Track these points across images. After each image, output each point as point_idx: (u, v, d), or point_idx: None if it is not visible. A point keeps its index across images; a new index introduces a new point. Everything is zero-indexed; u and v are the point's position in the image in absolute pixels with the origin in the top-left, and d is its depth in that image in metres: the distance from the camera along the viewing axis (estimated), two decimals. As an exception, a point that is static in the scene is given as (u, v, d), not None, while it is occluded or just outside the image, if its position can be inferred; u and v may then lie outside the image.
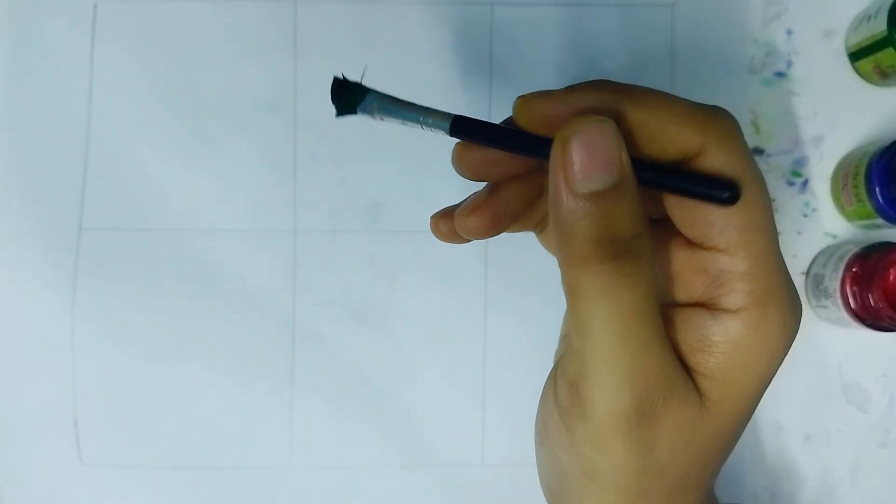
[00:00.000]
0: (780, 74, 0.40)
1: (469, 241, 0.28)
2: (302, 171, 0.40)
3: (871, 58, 0.38)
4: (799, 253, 0.40)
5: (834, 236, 0.40)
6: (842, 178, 0.39)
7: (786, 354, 0.25)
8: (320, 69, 0.40)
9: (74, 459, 0.39)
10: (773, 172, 0.40)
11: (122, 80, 0.40)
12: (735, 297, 0.24)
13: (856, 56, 0.40)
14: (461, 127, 0.25)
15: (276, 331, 0.40)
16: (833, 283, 0.37)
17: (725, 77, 0.40)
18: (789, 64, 0.40)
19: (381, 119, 0.26)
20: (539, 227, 0.30)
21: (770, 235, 0.24)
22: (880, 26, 0.37)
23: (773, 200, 0.40)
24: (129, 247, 0.39)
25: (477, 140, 0.25)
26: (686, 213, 0.24)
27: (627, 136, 0.23)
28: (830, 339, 0.40)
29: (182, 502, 0.39)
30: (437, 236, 0.29)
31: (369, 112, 0.26)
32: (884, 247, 0.36)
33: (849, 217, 0.40)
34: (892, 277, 0.36)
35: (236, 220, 0.40)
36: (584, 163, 0.22)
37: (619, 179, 0.23)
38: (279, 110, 0.40)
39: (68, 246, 0.39)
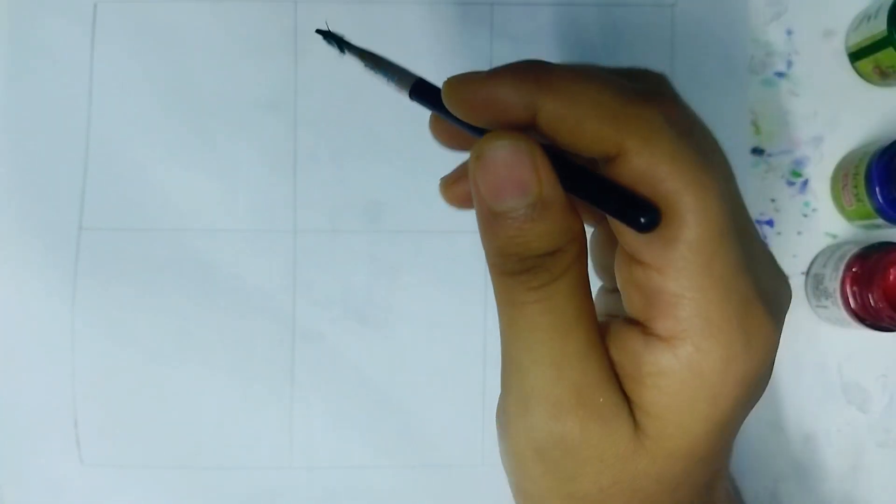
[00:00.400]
0: (780, 74, 0.40)
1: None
2: (302, 171, 0.40)
3: (871, 58, 0.38)
4: (799, 253, 0.40)
5: (834, 236, 0.40)
6: (842, 178, 0.39)
7: (744, 392, 0.22)
8: (320, 69, 0.40)
9: (74, 459, 0.39)
10: (773, 172, 0.40)
11: (123, 79, 0.40)
12: (667, 323, 0.21)
13: (856, 56, 0.40)
14: (420, 92, 0.25)
15: (275, 331, 0.40)
16: (833, 283, 0.37)
17: (725, 77, 0.40)
18: (789, 64, 0.40)
19: (364, 67, 0.27)
20: None
21: (714, 253, 0.20)
22: (880, 26, 0.37)
23: (773, 201, 0.40)
24: (129, 247, 0.39)
25: (431, 108, 0.25)
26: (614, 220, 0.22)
27: (547, 131, 0.21)
28: (830, 339, 0.40)
29: (182, 502, 0.39)
30: (448, 201, 0.28)
31: (361, 60, 0.27)
32: (884, 247, 0.36)
33: (849, 217, 0.40)
34: (892, 277, 0.36)
35: (236, 220, 0.40)
36: (492, 185, 0.21)
37: (533, 200, 0.21)
38: (279, 110, 0.40)
39: (68, 246, 0.39)
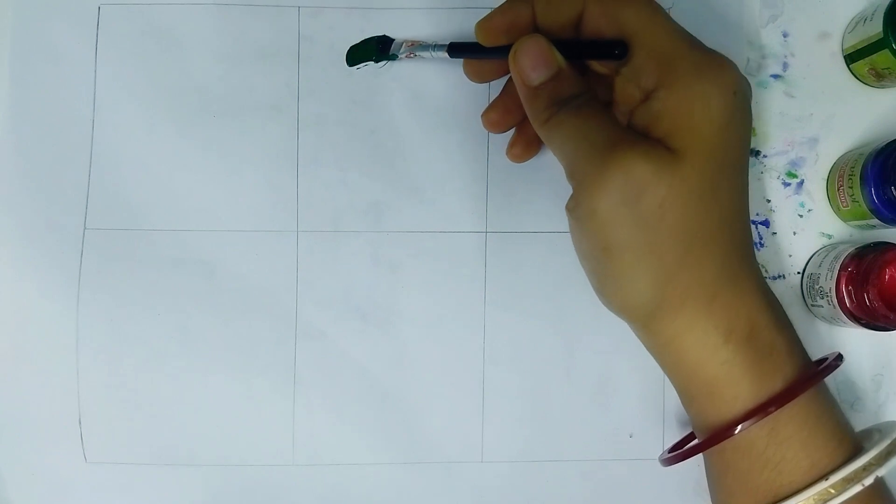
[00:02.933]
0: (777, 76, 0.41)
1: (524, 159, 0.40)
2: (304, 173, 0.40)
3: (867, 60, 0.39)
4: (795, 253, 0.41)
5: (829, 236, 0.41)
6: (837, 179, 0.39)
7: (729, 100, 0.30)
8: (323, 72, 0.40)
9: (78, 457, 0.40)
10: (768, 173, 0.41)
11: (126, 82, 0.40)
12: (650, 77, 0.31)
13: (851, 58, 0.40)
14: (457, 49, 0.37)
15: (278, 330, 0.40)
16: (829, 282, 0.38)
17: (722, 79, 0.40)
18: (785, 66, 0.41)
19: (409, 56, 0.39)
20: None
21: (656, 24, 0.31)
22: (876, 28, 0.37)
23: (769, 202, 0.41)
24: (133, 247, 0.40)
25: (467, 55, 0.37)
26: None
27: (542, 21, 0.33)
28: (826, 338, 0.40)
29: (185, 500, 0.40)
30: (486, 127, 0.39)
31: (398, 52, 0.39)
32: (879, 247, 0.36)
33: (844, 217, 0.40)
34: (887, 277, 0.36)
35: (239, 221, 0.40)
36: (531, 64, 0.33)
37: (556, 70, 0.33)
38: (282, 113, 0.40)
39: (73, 246, 0.40)
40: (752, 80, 0.40)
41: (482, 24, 0.34)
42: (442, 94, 0.40)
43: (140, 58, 0.40)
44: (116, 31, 0.40)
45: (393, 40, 0.39)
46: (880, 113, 0.40)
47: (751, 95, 0.33)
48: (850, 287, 0.36)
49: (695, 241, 0.31)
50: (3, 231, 0.39)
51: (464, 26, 0.40)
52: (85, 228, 0.40)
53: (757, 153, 0.41)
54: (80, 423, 0.40)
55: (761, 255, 0.41)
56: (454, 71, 0.40)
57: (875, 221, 0.38)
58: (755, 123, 0.40)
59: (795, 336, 0.33)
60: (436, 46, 0.37)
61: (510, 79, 0.37)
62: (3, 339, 0.40)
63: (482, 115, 0.38)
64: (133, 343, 0.40)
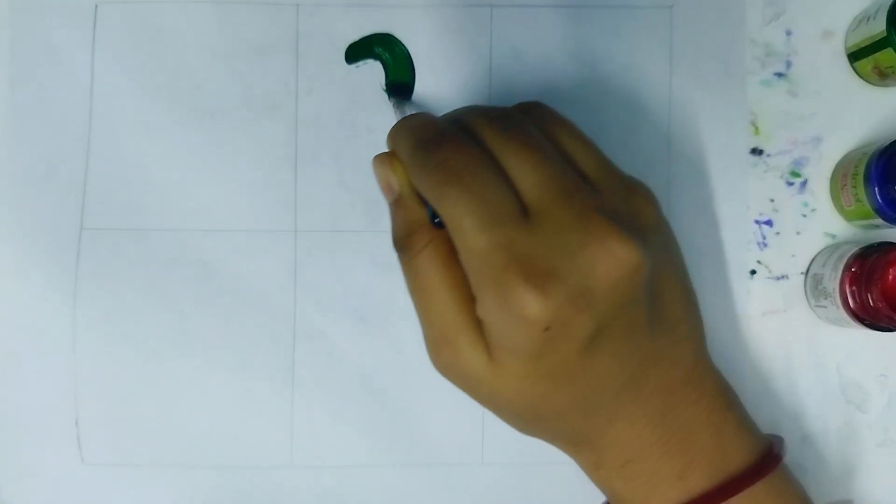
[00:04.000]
0: (780, 75, 0.40)
1: None
2: (303, 172, 0.40)
3: (870, 58, 0.38)
4: (798, 253, 0.40)
5: (833, 236, 0.40)
6: (841, 179, 0.39)
7: (542, 335, 0.28)
8: (321, 71, 0.40)
9: (75, 458, 0.39)
10: (772, 172, 0.40)
11: (124, 80, 0.40)
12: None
13: (855, 56, 0.40)
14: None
15: (276, 330, 0.40)
16: (832, 282, 0.37)
17: (724, 78, 0.40)
18: (788, 64, 0.41)
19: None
20: None
21: (470, 239, 0.28)
22: (879, 27, 0.37)
23: (772, 201, 0.40)
24: (130, 247, 0.40)
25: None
26: None
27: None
28: (829, 338, 0.40)
29: (183, 501, 0.40)
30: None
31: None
32: (883, 247, 0.36)
33: (848, 217, 0.40)
34: (891, 277, 0.36)
35: (237, 221, 0.40)
36: (381, 186, 0.32)
37: (395, 197, 0.32)
38: (280, 112, 0.40)
39: (69, 246, 0.40)
40: (755, 79, 0.40)
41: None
42: (442, 93, 0.40)
43: (137, 56, 0.40)
44: (113, 29, 0.40)
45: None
46: (884, 112, 0.40)
47: (611, 292, 0.28)
48: (853, 287, 0.36)
49: (544, 415, 0.31)
50: None
51: (463, 28, 0.40)
52: (81, 228, 0.40)
53: (760, 152, 0.40)
54: (76, 424, 0.39)
55: (764, 256, 0.40)
56: (454, 71, 0.40)
57: (879, 221, 0.37)
58: (758, 122, 0.40)
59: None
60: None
61: None
62: (-1, 340, 0.39)
63: None
64: (130, 343, 0.39)
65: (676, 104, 0.40)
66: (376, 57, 0.40)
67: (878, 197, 0.36)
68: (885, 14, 0.36)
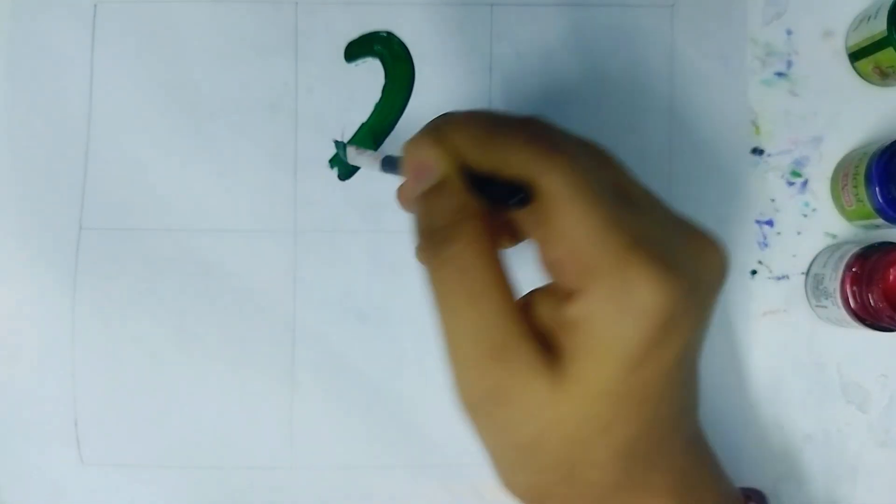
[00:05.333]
0: (780, 74, 0.40)
1: None
2: (302, 172, 0.40)
3: (871, 58, 0.38)
4: (799, 253, 0.40)
5: (834, 236, 0.40)
6: (841, 178, 0.39)
7: (645, 334, 0.24)
8: (321, 70, 0.40)
9: (74, 459, 0.39)
10: (772, 172, 0.40)
11: (123, 79, 0.40)
12: (564, 280, 0.25)
13: (856, 56, 0.40)
14: (388, 164, 0.31)
15: (276, 330, 0.40)
16: (833, 283, 0.37)
17: (725, 77, 0.40)
18: (789, 64, 0.40)
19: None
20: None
21: (577, 217, 0.24)
22: (880, 26, 0.37)
23: (773, 201, 0.40)
24: (129, 246, 0.40)
25: (397, 171, 0.30)
26: (524, 222, 0.27)
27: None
28: (830, 338, 0.40)
29: (182, 501, 0.40)
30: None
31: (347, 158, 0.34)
32: (883, 247, 0.36)
33: (848, 217, 0.40)
34: (891, 277, 0.36)
35: (237, 220, 0.40)
36: (411, 172, 0.27)
37: (437, 181, 0.26)
38: (280, 111, 0.40)
39: (68, 245, 0.39)
40: (755, 78, 0.40)
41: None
42: (442, 91, 0.40)
43: (136, 55, 0.40)
44: (112, 28, 0.40)
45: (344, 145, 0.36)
46: (885, 112, 0.40)
47: (711, 298, 0.26)
48: (854, 287, 0.36)
49: (579, 468, 0.26)
50: (-2, 230, 0.39)
51: (463, 27, 0.40)
52: (80, 228, 0.40)
53: (761, 152, 0.40)
54: (75, 424, 0.39)
55: (765, 255, 0.40)
56: (454, 70, 0.40)
57: (880, 221, 0.37)
58: (759, 121, 0.40)
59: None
60: (371, 158, 0.33)
61: None
62: (-2, 340, 0.39)
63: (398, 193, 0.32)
64: (129, 344, 0.39)
65: (677, 104, 0.40)
66: (376, 55, 0.40)
67: (879, 197, 0.36)
68: (886, 14, 0.36)
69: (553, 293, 0.26)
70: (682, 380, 0.26)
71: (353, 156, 0.34)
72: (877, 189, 0.36)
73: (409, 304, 0.40)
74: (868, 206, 0.37)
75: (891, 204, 0.36)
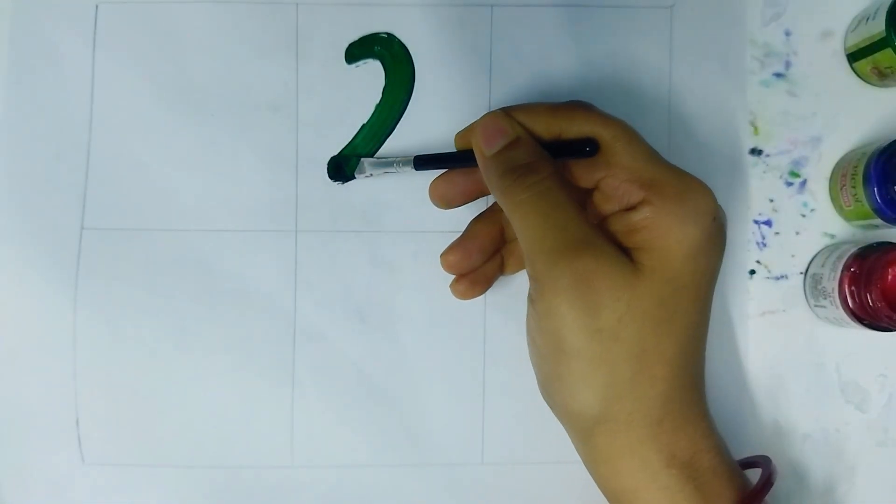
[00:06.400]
0: (779, 75, 0.41)
1: (468, 297, 0.38)
2: (303, 172, 0.40)
3: (870, 58, 0.38)
4: (797, 253, 0.40)
5: (832, 236, 0.40)
6: (840, 179, 0.39)
7: (699, 229, 0.31)
8: (322, 70, 0.40)
9: (76, 458, 0.39)
10: (771, 172, 0.40)
11: (124, 80, 0.40)
12: (634, 194, 0.32)
13: (854, 57, 0.40)
14: (422, 161, 0.37)
15: (277, 330, 0.40)
16: (831, 282, 0.37)
17: (724, 78, 0.40)
18: (788, 65, 0.41)
19: (370, 175, 0.39)
20: (505, 268, 0.39)
21: (642, 149, 0.32)
22: (878, 27, 0.37)
23: (772, 201, 0.40)
24: (130, 247, 0.40)
25: (433, 166, 0.37)
26: (585, 172, 0.34)
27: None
28: (829, 338, 0.40)
29: (183, 501, 0.40)
30: (444, 267, 0.38)
31: (362, 172, 0.39)
32: (882, 247, 0.36)
33: (847, 217, 0.40)
34: (890, 277, 0.36)
35: (238, 221, 0.40)
36: (485, 135, 0.34)
37: (512, 139, 0.33)
38: (281, 111, 0.40)
39: (70, 246, 0.39)
40: (754, 79, 0.40)
41: (463, 133, 0.36)
42: (442, 92, 0.40)
43: (138, 56, 0.40)
44: (114, 29, 0.40)
45: (360, 159, 0.39)
46: (883, 112, 0.40)
47: (726, 224, 0.33)
48: (852, 287, 0.36)
49: (648, 361, 0.31)
50: (0, 230, 0.39)
51: (464, 27, 0.40)
52: (82, 228, 0.40)
53: (759, 152, 0.40)
54: (77, 424, 0.39)
55: (764, 255, 0.40)
56: (454, 70, 0.40)
57: (878, 221, 0.37)
58: (758, 122, 0.40)
59: (732, 458, 0.33)
60: (400, 162, 0.38)
61: (473, 221, 0.38)
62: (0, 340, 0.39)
63: (441, 256, 0.38)
64: (131, 343, 0.39)
65: (676, 104, 0.40)
66: (377, 56, 0.40)
67: (878, 197, 0.36)
68: (885, 14, 0.36)
69: (614, 213, 0.33)
70: (709, 307, 0.33)
71: (370, 168, 0.39)
72: (875, 189, 0.36)
73: (409, 304, 0.40)
74: (866, 206, 0.37)
75: (889, 204, 0.36)
